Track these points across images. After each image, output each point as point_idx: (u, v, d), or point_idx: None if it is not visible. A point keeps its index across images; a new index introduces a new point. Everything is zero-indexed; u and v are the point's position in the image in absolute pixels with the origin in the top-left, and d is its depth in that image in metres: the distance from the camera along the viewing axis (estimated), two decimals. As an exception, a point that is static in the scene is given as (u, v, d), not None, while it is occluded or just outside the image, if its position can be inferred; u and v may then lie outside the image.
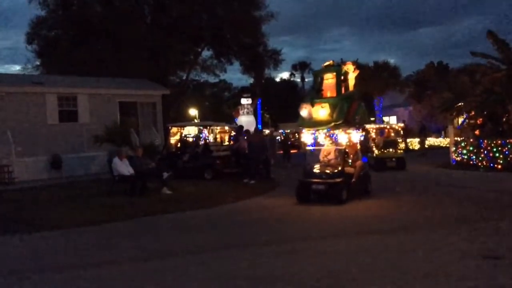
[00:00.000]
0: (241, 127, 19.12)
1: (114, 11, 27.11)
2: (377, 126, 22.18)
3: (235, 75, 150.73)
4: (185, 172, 16.56)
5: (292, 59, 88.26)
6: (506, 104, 18.24)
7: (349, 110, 11.31)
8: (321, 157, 11.64)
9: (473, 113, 19.77)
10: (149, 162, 14.28)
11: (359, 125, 11.78)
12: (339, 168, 11.02)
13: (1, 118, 17.72)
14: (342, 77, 11.61)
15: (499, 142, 17.04)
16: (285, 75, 67.82)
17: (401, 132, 21.91)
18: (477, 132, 19.40)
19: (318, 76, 12.00)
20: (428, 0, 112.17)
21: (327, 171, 11.07)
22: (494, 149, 17.07)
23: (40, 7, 27.74)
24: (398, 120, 39.70)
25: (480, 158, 17.65)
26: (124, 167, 13.06)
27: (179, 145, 19.41)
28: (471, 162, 18.07)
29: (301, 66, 58.46)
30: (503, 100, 18.28)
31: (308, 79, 64.67)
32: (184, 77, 33.89)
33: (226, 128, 21.67)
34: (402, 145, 22.27)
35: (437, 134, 34.93)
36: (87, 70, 24.13)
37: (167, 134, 20.68)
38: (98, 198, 12.50)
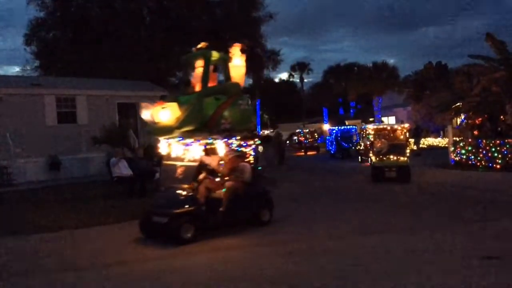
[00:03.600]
0: None
1: (113, 13, 27.10)
2: (378, 126, 18.18)
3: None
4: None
5: (292, 60, 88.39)
6: (504, 104, 18.27)
7: (216, 111, 8.42)
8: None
9: (471, 113, 19.81)
10: (149, 164, 14.26)
11: (231, 132, 8.60)
12: (189, 193, 8.13)
13: (-1, 120, 17.71)
14: (219, 64, 8.98)
15: (498, 142, 17.06)
16: (284, 75, 67.88)
17: (407, 134, 16.58)
18: (475, 132, 19.43)
19: (188, 64, 9.19)
20: (428, 1, 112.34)
21: (171, 199, 8.26)
22: (493, 149, 17.09)
23: (39, 9, 27.70)
24: (397, 121, 39.71)
25: (479, 158, 17.67)
26: (122, 168, 13.04)
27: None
28: (470, 162, 18.08)
29: (300, 67, 58.38)
30: (502, 100, 18.31)
31: (307, 79, 64.82)
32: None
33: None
34: (411, 147, 19.63)
35: (436, 134, 34.92)
36: (85, 72, 24.11)
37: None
38: (97, 199, 12.49)
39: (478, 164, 17.59)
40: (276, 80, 67.38)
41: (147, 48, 26.79)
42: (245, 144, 8.91)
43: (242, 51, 9.22)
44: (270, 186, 14.67)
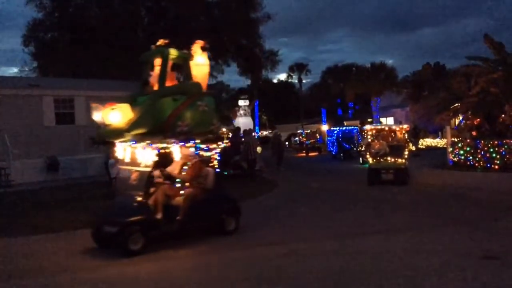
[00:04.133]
0: (238, 128, 19.12)
1: (111, 13, 27.08)
2: (376, 127, 17.31)
3: (232, 76, 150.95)
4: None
5: (291, 61, 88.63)
6: (502, 105, 18.30)
7: (172, 113, 7.89)
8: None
9: (470, 114, 19.83)
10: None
11: (189, 135, 8.05)
12: (140, 201, 7.59)
13: (-2, 121, 17.67)
14: (179, 63, 8.51)
15: (496, 142, 17.08)
16: (282, 76, 67.89)
17: (405, 135, 15.94)
18: (474, 132, 19.45)
19: (147, 62, 8.75)
20: (426, 2, 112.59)
21: (121, 207, 7.89)
22: (491, 150, 17.11)
23: (37, 10, 27.70)
24: (395, 121, 39.74)
25: (477, 159, 17.69)
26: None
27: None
28: (468, 163, 18.10)
29: (298, 68, 58.47)
30: (500, 101, 18.34)
31: (306, 80, 64.85)
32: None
33: (224, 129, 21.71)
34: (410, 148, 18.71)
35: (434, 135, 34.97)
36: (84, 72, 24.09)
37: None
38: (96, 200, 12.46)
39: (477, 164, 17.61)
40: (275, 80, 67.52)
41: (146, 49, 26.74)
42: (206, 148, 8.36)
43: (203, 49, 8.71)
44: (270, 188, 14.85)
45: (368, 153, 15.14)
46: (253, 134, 19.00)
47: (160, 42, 8.54)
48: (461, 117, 21.54)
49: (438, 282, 5.42)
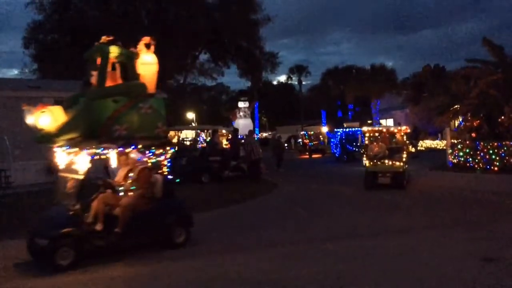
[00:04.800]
0: (236, 130, 19.18)
1: (111, 15, 27.13)
2: (374, 128, 17.51)
3: (232, 78, 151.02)
4: (182, 175, 16.57)
5: (291, 62, 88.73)
6: (502, 107, 18.30)
7: (110, 116, 7.23)
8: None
9: (469, 115, 19.84)
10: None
11: (129, 140, 7.34)
12: (71, 212, 6.94)
13: (-2, 123, 17.69)
14: (122, 61, 7.80)
15: (496, 144, 17.09)
16: (282, 78, 67.96)
17: (404, 137, 15.26)
18: (473, 134, 19.43)
19: (89, 60, 8.03)
20: (426, 4, 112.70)
21: (52, 218, 7.23)
22: (491, 151, 17.11)
23: (37, 12, 27.76)
24: (395, 123, 39.79)
25: (477, 160, 17.69)
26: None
27: (176, 148, 19.41)
28: (468, 164, 18.10)
29: (298, 69, 58.51)
30: (499, 102, 18.35)
31: (306, 82, 64.90)
32: (182, 81, 33.94)
33: (224, 131, 21.73)
34: (409, 150, 17.59)
35: (434, 137, 35.01)
36: (84, 74, 24.11)
37: (164, 138, 20.66)
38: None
39: (476, 166, 17.60)
40: (275, 82, 67.56)
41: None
42: (150, 154, 7.63)
43: (148, 46, 8.08)
44: (269, 189, 14.87)
45: (365, 156, 14.64)
46: (254, 135, 19.00)
47: (103, 39, 7.79)
48: (460, 119, 21.55)
49: (437, 284, 5.43)
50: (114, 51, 7.58)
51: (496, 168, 16.80)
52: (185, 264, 6.95)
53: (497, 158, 16.88)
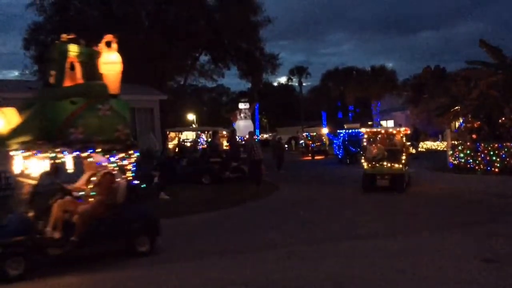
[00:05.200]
0: (233, 131, 19.24)
1: (111, 17, 27.15)
2: (372, 129, 17.07)
3: (233, 79, 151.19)
4: (183, 177, 16.58)
5: (291, 64, 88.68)
6: (502, 108, 18.32)
7: (67, 118, 6.87)
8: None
9: (470, 117, 19.86)
10: (147, 168, 14.22)
11: (86, 143, 6.92)
12: (23, 219, 6.68)
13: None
14: (82, 60, 7.46)
15: (496, 145, 17.10)
16: (283, 79, 68.02)
17: (403, 138, 14.62)
18: (474, 135, 19.46)
19: (48, 60, 7.62)
20: (427, 5, 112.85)
21: (5, 226, 6.82)
22: (491, 153, 17.13)
23: (38, 13, 27.73)
24: (395, 124, 39.82)
25: (477, 162, 17.70)
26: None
27: (177, 150, 19.45)
28: (468, 166, 18.10)
29: (298, 71, 58.54)
30: (500, 104, 18.36)
31: (306, 83, 64.94)
32: (182, 82, 33.97)
33: (224, 132, 21.74)
34: (411, 151, 17.56)
35: (434, 138, 35.02)
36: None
37: (165, 139, 20.71)
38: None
39: (477, 167, 17.62)
40: (275, 84, 67.57)
41: (146, 52, 26.83)
42: (114, 158, 7.21)
43: (108, 44, 7.59)
44: (270, 191, 14.85)
45: (363, 157, 14.20)
46: (254, 137, 19.01)
47: (63, 37, 7.39)
48: (461, 120, 21.58)
49: (437, 285, 5.42)
50: (73, 50, 7.26)
51: (496, 170, 16.82)
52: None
53: (498, 159, 16.90)
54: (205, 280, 6.02)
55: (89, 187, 7.44)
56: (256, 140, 19.17)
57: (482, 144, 17.67)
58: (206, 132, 19.56)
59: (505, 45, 19.39)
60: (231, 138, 18.73)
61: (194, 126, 40.39)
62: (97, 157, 7.21)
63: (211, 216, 10.89)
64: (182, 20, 27.99)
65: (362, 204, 11.84)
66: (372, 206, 11.43)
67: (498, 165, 16.84)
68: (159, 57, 27.19)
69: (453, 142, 20.01)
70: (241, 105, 46.48)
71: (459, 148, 18.97)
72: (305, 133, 35.78)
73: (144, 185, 8.70)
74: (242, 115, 47.91)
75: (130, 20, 27.31)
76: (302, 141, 35.09)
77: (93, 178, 7.40)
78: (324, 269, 6.22)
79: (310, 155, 31.26)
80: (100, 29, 25.88)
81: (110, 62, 7.46)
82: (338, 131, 28.15)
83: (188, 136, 21.97)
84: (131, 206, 7.44)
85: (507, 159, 16.66)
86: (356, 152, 25.01)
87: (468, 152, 18.28)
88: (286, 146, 35.01)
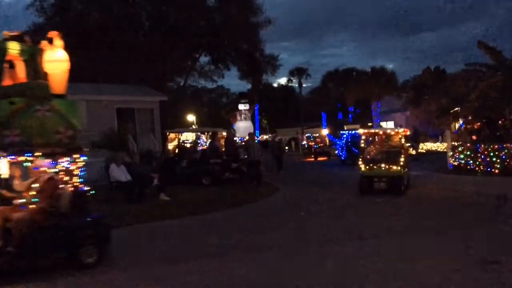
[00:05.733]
0: (229, 132, 19.36)
1: (111, 18, 27.16)
2: (370, 130, 16.81)
3: (233, 80, 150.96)
4: (183, 178, 16.59)
5: (291, 65, 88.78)
6: (502, 109, 18.34)
7: (4, 119, 6.50)
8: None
9: (470, 118, 19.87)
10: (147, 169, 14.24)
11: (24, 147, 6.49)
12: None
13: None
14: (24, 58, 7.10)
15: (496, 146, 17.09)
16: (283, 80, 68.05)
17: (402, 139, 14.18)
18: (474, 136, 19.48)
19: None
20: (427, 6, 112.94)
21: None
22: (491, 154, 17.11)
23: (38, 14, 27.77)
24: (395, 125, 39.82)
25: (477, 163, 17.69)
26: (121, 173, 13.04)
27: (177, 151, 19.48)
28: (468, 167, 18.10)
29: (298, 72, 58.55)
30: (500, 105, 18.37)
31: (306, 84, 64.94)
32: (182, 83, 34.03)
33: (224, 133, 21.78)
34: (411, 152, 17.39)
35: (435, 139, 35.02)
36: (84, 77, 24.13)
37: (165, 140, 20.73)
38: (95, 205, 12.42)
39: (477, 168, 17.61)
40: (275, 85, 67.59)
41: (146, 53, 26.87)
42: (54, 163, 6.77)
43: (50, 41, 7.18)
44: (270, 192, 14.84)
45: (361, 159, 13.63)
46: (254, 138, 19.03)
47: (5, 34, 6.99)
48: (461, 121, 21.60)
49: (437, 286, 5.41)
50: (12, 47, 6.84)
51: (497, 171, 16.80)
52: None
53: (498, 160, 16.88)
54: (206, 281, 6.01)
55: (30, 193, 6.80)
56: (256, 141, 19.21)
57: (482, 145, 17.66)
58: (206, 133, 19.60)
59: (507, 46, 19.37)
60: (226, 139, 18.75)
61: (194, 127, 40.39)
62: (38, 162, 6.68)
63: (211, 217, 10.87)
64: (182, 21, 28.02)
65: (363, 206, 11.81)
66: (372, 207, 11.42)
67: (498, 166, 16.83)
68: (159, 58, 27.22)
69: (453, 143, 20.02)
70: (241, 106, 46.40)
71: (459, 149, 18.97)
72: (308, 134, 35.72)
73: (93, 192, 7.91)
74: (242, 116, 47.83)
75: (130, 21, 27.34)
76: (304, 142, 34.99)
77: (35, 185, 6.80)
78: (325, 270, 6.22)
79: (313, 156, 31.11)
80: (100, 30, 26.03)
81: (55, 60, 7.03)
82: (341, 132, 28.03)
83: (188, 137, 22.01)
84: (78, 214, 6.93)
85: (507, 160, 16.64)
86: (358, 154, 24.83)
87: (468, 153, 18.28)
88: (286, 147, 34.99)
